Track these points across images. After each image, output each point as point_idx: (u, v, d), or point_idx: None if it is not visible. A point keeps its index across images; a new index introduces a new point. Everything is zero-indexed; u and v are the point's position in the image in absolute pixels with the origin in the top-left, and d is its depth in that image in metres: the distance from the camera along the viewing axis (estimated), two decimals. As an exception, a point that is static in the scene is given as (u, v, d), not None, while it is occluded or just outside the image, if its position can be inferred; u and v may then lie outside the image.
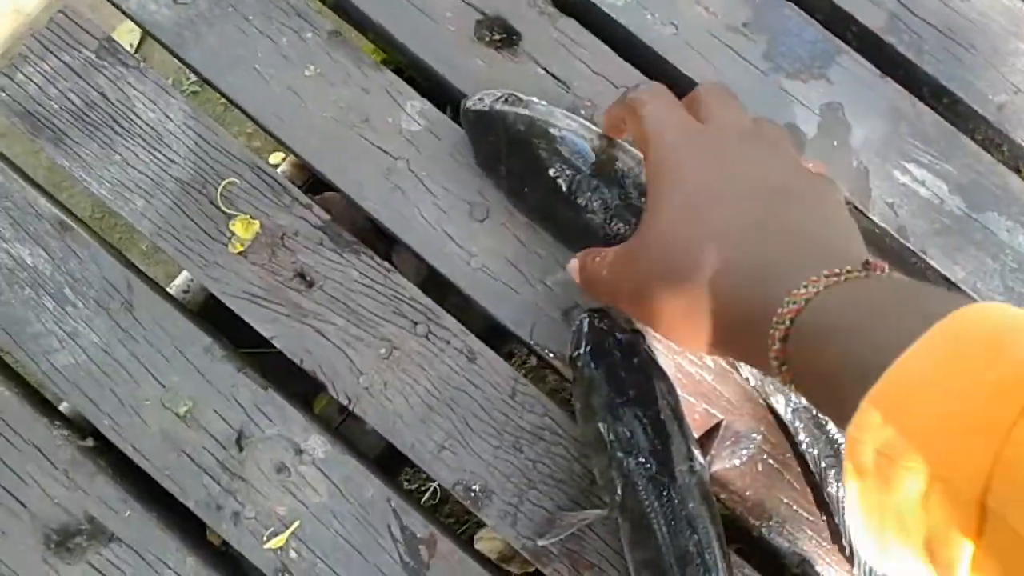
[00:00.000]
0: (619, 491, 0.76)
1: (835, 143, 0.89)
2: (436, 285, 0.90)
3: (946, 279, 0.87)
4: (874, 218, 0.87)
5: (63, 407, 0.94)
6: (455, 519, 1.30)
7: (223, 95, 0.92)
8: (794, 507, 0.82)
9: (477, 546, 1.09)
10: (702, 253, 0.61)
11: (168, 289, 0.98)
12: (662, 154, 0.66)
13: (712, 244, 0.61)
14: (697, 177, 0.64)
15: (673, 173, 0.65)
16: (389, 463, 0.93)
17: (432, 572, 0.83)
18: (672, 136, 0.66)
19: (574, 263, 0.77)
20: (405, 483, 1.34)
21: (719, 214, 0.62)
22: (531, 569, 1.04)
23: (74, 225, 0.89)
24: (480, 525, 1.19)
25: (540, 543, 0.82)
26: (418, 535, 0.83)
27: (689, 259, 0.62)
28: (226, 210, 0.89)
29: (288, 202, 0.89)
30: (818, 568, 0.81)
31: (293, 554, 0.83)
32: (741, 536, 0.84)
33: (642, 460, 0.75)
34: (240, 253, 0.88)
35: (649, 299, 0.66)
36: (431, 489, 1.34)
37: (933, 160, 0.89)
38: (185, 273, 1.01)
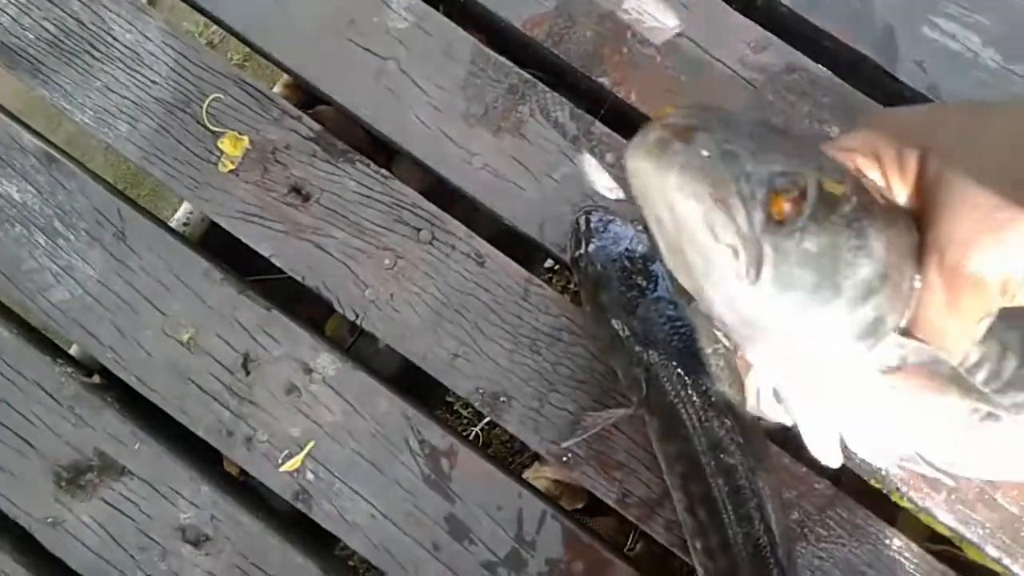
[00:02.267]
0: (644, 386, 0.73)
1: (857, 3, 0.84)
2: (440, 191, 0.87)
3: (983, 138, 0.81)
4: (902, 79, 0.83)
5: (73, 350, 0.93)
6: (507, 452, 1.27)
7: (203, 12, 0.90)
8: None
9: None
10: None
11: (169, 222, 0.96)
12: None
13: None
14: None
15: None
16: (408, 379, 0.91)
17: (455, 483, 0.80)
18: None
19: None
20: (450, 419, 1.31)
21: None
22: (579, 505, 1.02)
23: (59, 156, 0.87)
24: (525, 465, 1.17)
25: (564, 445, 0.79)
26: (438, 447, 0.81)
27: None
28: (213, 128, 0.86)
29: (277, 115, 0.86)
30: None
31: (310, 475, 0.81)
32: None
33: (663, 351, 0.72)
34: (231, 172, 0.85)
35: None
36: (473, 433, 1.32)
37: (963, 12, 0.83)
38: (185, 205, 0.99)
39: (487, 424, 1.25)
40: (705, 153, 0.38)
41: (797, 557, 0.72)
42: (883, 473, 0.75)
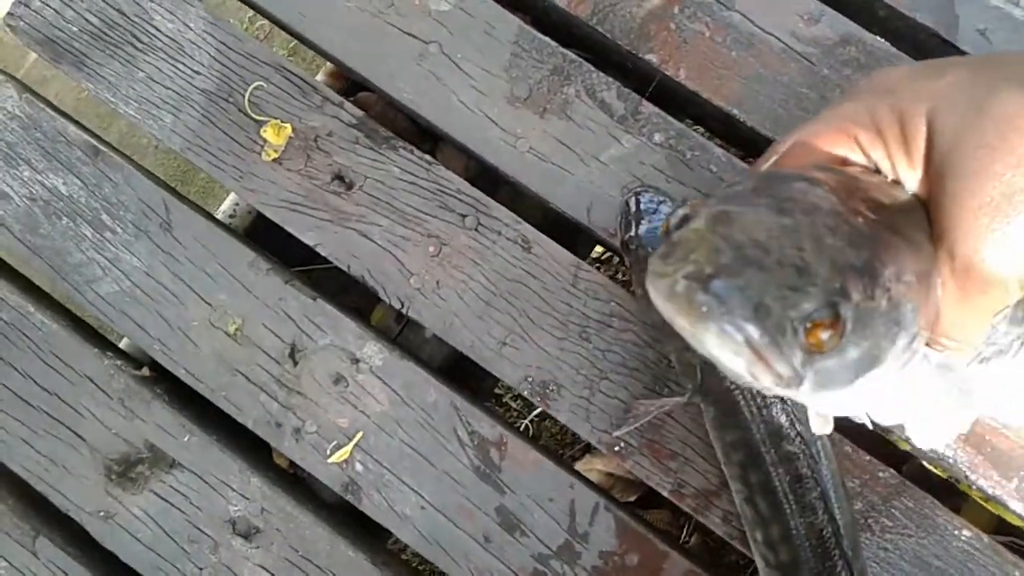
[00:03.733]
0: (699, 373, 0.71)
1: (913, -29, 0.81)
2: (486, 177, 0.86)
3: (1053, 108, 0.78)
4: (964, 48, 0.79)
5: (123, 343, 0.93)
6: (557, 443, 1.26)
7: (245, 1, 0.89)
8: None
9: None
10: None
11: (216, 215, 0.96)
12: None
13: None
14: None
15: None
16: (455, 370, 0.90)
17: (505, 474, 0.79)
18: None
19: None
20: (500, 410, 1.30)
21: None
22: (632, 497, 1.00)
23: (104, 149, 0.88)
24: (586, 450, 1.15)
25: (616, 434, 0.77)
26: (488, 437, 0.80)
27: None
28: (256, 117, 0.86)
29: (319, 102, 0.85)
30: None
31: (359, 466, 0.81)
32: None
33: None
34: (275, 160, 0.85)
35: None
36: (523, 425, 1.31)
37: (1028, -24, 0.80)
38: (231, 196, 0.99)
39: (537, 416, 1.24)
40: (738, 311, 0.37)
41: (862, 548, 0.70)
42: (950, 461, 0.73)
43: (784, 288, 0.38)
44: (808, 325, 0.38)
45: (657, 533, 0.78)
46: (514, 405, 1.29)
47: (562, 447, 1.22)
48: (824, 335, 0.38)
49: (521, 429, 1.25)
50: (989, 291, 0.44)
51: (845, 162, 0.48)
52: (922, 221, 0.46)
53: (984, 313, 0.45)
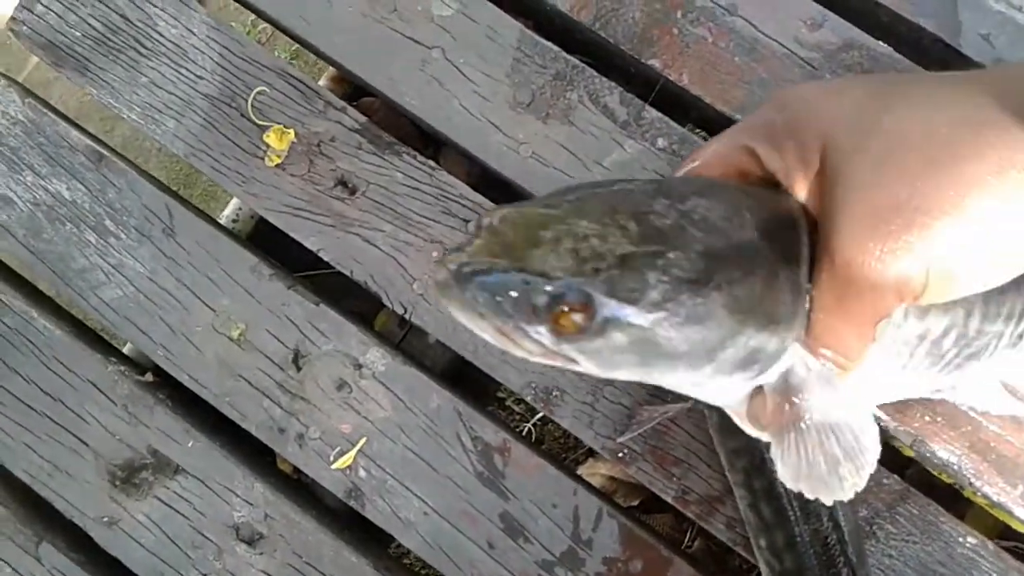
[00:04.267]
0: None
1: (916, -24, 0.81)
2: (489, 182, 0.86)
3: (1057, 113, 0.78)
4: (967, 53, 0.79)
5: (127, 348, 0.93)
6: (560, 448, 1.27)
7: (245, 4, 0.89)
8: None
9: None
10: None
11: (218, 219, 0.97)
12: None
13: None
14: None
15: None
16: (459, 375, 0.90)
17: (509, 480, 0.79)
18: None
19: None
20: (503, 414, 1.30)
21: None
22: (635, 502, 1.00)
23: (108, 154, 0.88)
24: (589, 454, 1.15)
25: (620, 440, 0.77)
26: (491, 443, 0.80)
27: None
28: (259, 121, 0.86)
29: (322, 107, 0.86)
30: (933, 446, 0.75)
31: (362, 472, 0.81)
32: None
33: None
34: (278, 166, 0.85)
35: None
36: (525, 429, 1.31)
37: (1032, -19, 0.80)
38: (234, 201, 1.00)
39: (539, 420, 1.24)
40: (480, 297, 0.42)
41: (867, 555, 0.70)
42: (955, 468, 0.73)
43: (533, 277, 0.42)
44: (558, 309, 0.42)
45: (661, 539, 0.78)
46: (517, 409, 1.29)
47: (565, 451, 1.23)
48: (575, 318, 0.42)
49: (524, 433, 1.25)
50: (865, 296, 0.44)
51: (744, 175, 0.51)
52: (789, 236, 0.47)
53: (860, 320, 0.46)
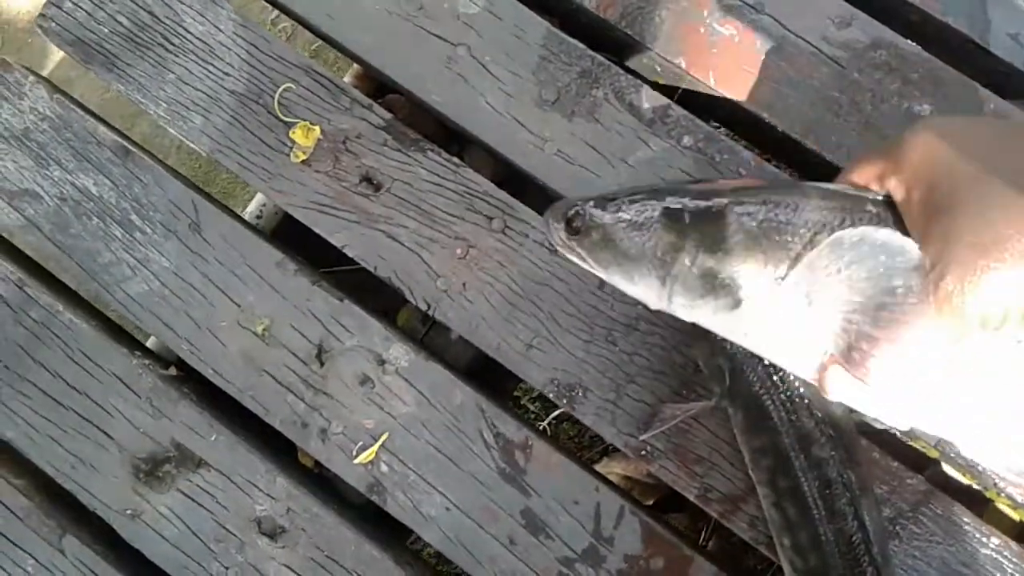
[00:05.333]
0: (727, 377, 0.72)
1: (945, -25, 0.82)
2: (514, 180, 0.88)
3: (1088, 113, 0.79)
4: (997, 53, 0.80)
5: (150, 342, 0.95)
6: (576, 445, 1.28)
7: (273, 2, 0.91)
8: (925, 381, 0.76)
9: None
10: None
11: (242, 215, 0.98)
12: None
13: None
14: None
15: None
16: (480, 372, 0.91)
17: (530, 476, 0.80)
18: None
19: None
20: (523, 415, 1.31)
21: None
22: (650, 501, 1.01)
23: (134, 150, 0.90)
24: (603, 454, 1.16)
25: (642, 438, 0.78)
26: (513, 439, 0.81)
27: None
28: (285, 118, 0.87)
29: (348, 104, 0.87)
30: (956, 446, 0.75)
31: (384, 467, 0.82)
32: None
33: None
34: (303, 162, 0.86)
35: None
36: (541, 427, 1.32)
37: (1062, -20, 0.81)
38: (258, 197, 1.01)
39: (554, 419, 1.25)
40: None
41: (892, 555, 0.70)
42: (980, 469, 0.73)
43: (569, 202, 0.66)
44: (570, 213, 0.64)
45: (682, 537, 0.79)
46: (532, 407, 1.30)
47: (580, 450, 1.24)
48: (576, 222, 0.63)
49: (540, 431, 1.26)
50: (955, 317, 0.49)
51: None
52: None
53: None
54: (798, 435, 0.69)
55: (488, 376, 0.91)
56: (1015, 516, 0.76)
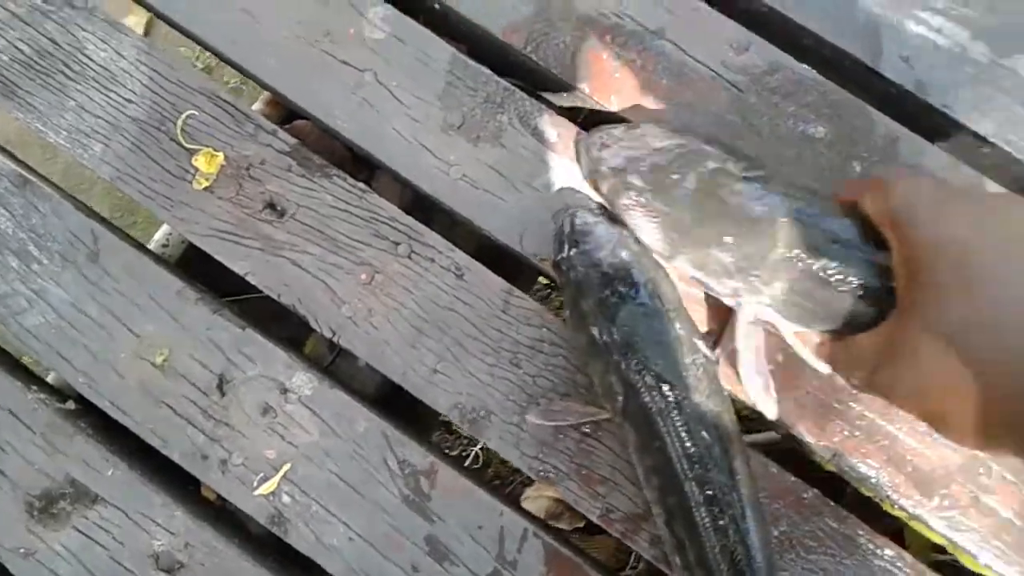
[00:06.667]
0: (620, 397, 0.74)
1: None
2: (422, 205, 0.90)
3: (974, 134, 0.83)
4: (888, 75, 0.84)
5: (51, 377, 0.96)
6: (500, 480, 1.29)
7: (174, 25, 0.93)
8: (822, 398, 0.79)
9: (524, 506, 1.08)
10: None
11: (148, 245, 1.00)
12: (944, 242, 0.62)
13: None
14: (991, 269, 0.59)
15: (961, 263, 0.60)
16: (392, 399, 0.92)
17: (435, 503, 0.82)
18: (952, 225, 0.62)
19: (815, 347, 0.75)
20: (446, 449, 1.32)
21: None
22: (580, 524, 1.03)
23: (33, 179, 0.91)
24: (526, 484, 1.18)
25: (529, 418, 0.80)
26: (417, 466, 0.83)
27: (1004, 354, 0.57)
28: (187, 145, 0.89)
29: (252, 130, 0.89)
30: (852, 460, 0.78)
31: (286, 498, 0.83)
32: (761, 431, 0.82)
33: (641, 361, 0.73)
34: (206, 189, 0.88)
35: (945, 396, 0.60)
36: (473, 453, 1.33)
37: (949, 5, 0.85)
38: (164, 227, 1.03)
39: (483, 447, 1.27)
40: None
41: (777, 570, 0.73)
42: (874, 481, 0.76)
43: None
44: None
45: (587, 559, 0.80)
46: (463, 432, 1.32)
47: (513, 473, 1.24)
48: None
49: (471, 457, 1.28)
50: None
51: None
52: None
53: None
54: (686, 454, 0.71)
55: (404, 402, 0.92)
56: (914, 528, 0.78)
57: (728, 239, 0.72)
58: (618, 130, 0.79)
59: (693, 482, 0.70)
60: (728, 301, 0.76)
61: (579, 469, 0.79)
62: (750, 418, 0.79)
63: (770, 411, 0.76)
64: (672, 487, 0.71)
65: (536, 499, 1.11)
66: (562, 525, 1.07)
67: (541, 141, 0.86)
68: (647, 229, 0.76)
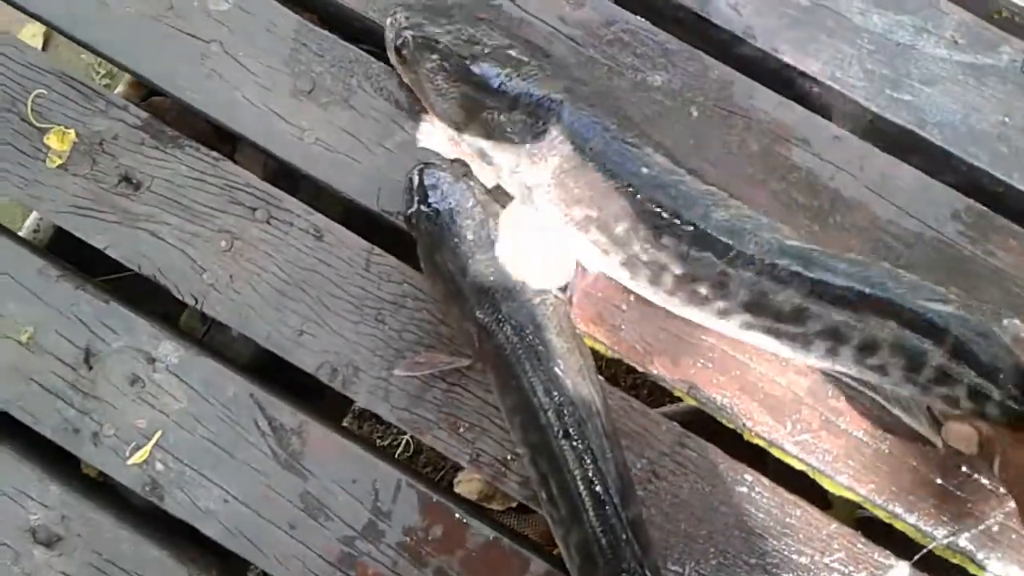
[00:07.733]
0: (476, 340, 0.79)
1: (669, -47, 0.92)
2: (286, 172, 0.92)
3: (802, 74, 0.90)
4: (717, 22, 0.90)
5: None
6: (432, 467, 1.32)
7: (22, 9, 0.94)
8: (674, 333, 0.85)
9: (457, 490, 1.12)
10: None
11: (19, 232, 1.00)
12: None
13: None
14: None
15: None
16: (265, 367, 0.95)
17: (308, 461, 0.85)
18: None
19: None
20: (377, 439, 1.36)
21: None
22: (513, 504, 1.07)
23: None
24: (456, 469, 1.22)
25: (396, 373, 0.84)
26: (287, 425, 0.86)
27: None
28: (39, 124, 0.91)
29: (103, 106, 0.91)
30: (706, 391, 0.84)
31: (160, 465, 0.86)
32: (629, 369, 0.87)
33: (492, 304, 0.78)
34: (60, 167, 0.90)
35: None
36: (403, 442, 1.35)
37: (772, -48, 0.91)
38: (34, 214, 1.04)
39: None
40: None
41: (636, 496, 0.78)
42: (730, 411, 0.83)
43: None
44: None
45: (461, 503, 0.85)
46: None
47: (443, 460, 1.27)
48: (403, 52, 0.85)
49: (401, 446, 1.33)
50: None
51: None
52: None
53: None
54: (544, 390, 0.76)
55: (278, 369, 0.95)
56: (775, 453, 0.85)
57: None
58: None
59: (551, 414, 0.75)
60: (507, 178, 0.83)
61: (447, 418, 0.84)
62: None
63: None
64: (532, 423, 0.75)
65: (468, 483, 1.14)
66: (495, 506, 1.11)
67: (392, 102, 0.89)
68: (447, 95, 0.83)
